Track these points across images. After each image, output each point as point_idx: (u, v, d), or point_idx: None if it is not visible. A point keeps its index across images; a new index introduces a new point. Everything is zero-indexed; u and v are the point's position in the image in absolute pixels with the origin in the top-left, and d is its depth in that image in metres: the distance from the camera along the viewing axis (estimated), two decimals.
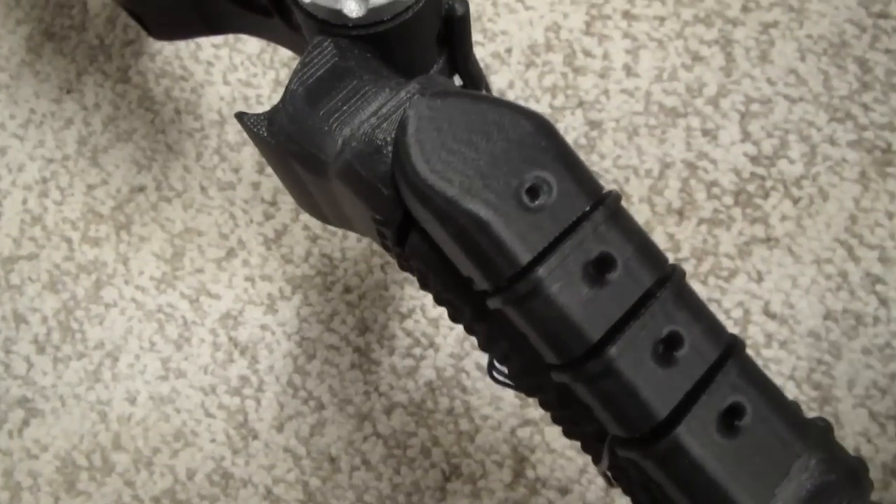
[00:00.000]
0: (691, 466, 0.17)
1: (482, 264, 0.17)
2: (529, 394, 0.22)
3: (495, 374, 0.23)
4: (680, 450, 0.17)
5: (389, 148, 0.19)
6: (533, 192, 0.17)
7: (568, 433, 0.23)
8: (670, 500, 0.18)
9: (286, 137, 0.21)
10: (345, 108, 0.20)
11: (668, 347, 0.17)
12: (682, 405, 0.17)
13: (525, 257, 0.17)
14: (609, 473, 0.22)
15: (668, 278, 0.18)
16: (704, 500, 0.17)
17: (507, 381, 0.23)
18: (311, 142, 0.20)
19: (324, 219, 0.26)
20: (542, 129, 0.18)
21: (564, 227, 0.17)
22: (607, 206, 0.18)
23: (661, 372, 0.17)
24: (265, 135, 0.21)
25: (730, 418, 0.17)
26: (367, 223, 0.21)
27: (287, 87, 0.21)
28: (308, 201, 0.25)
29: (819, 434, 0.18)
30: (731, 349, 0.18)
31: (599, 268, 0.17)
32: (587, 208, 0.17)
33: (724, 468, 0.17)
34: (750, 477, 0.17)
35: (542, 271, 0.17)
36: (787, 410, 0.18)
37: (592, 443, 0.21)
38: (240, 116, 0.22)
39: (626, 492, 0.22)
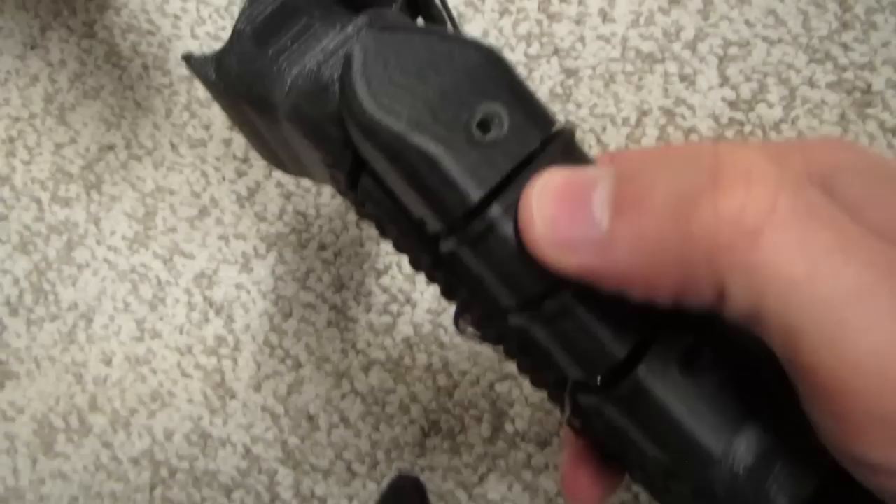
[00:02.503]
0: (653, 408, 0.17)
1: (433, 203, 0.17)
2: (494, 343, 0.22)
3: (462, 324, 0.23)
4: (641, 391, 0.17)
5: (337, 85, 0.18)
6: (484, 125, 0.16)
7: (534, 382, 0.22)
8: (634, 446, 0.18)
9: (235, 79, 0.20)
10: (294, 46, 0.19)
11: None
12: (641, 345, 0.17)
13: (477, 193, 0.16)
14: (575, 423, 0.21)
15: None
16: (666, 442, 0.17)
17: (472, 333, 0.22)
18: (260, 83, 0.20)
19: (283, 167, 0.25)
20: (493, 61, 0.17)
21: (518, 161, 0.16)
22: (562, 138, 0.17)
23: (620, 310, 0.17)
24: (213, 77, 0.20)
25: (691, 356, 0.17)
26: (321, 168, 0.20)
27: (234, 27, 0.20)
28: (265, 149, 0.24)
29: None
30: None
31: None
32: (540, 142, 0.17)
33: (687, 408, 0.17)
34: (714, 416, 0.17)
35: (495, 209, 0.16)
36: (748, 350, 0.17)
37: (557, 392, 0.21)
38: (187, 59, 0.21)
39: (593, 442, 0.22)
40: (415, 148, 0.16)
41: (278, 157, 0.24)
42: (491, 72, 0.17)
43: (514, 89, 0.17)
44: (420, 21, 0.27)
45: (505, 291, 0.17)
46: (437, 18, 0.26)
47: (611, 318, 0.17)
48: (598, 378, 0.17)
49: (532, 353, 0.18)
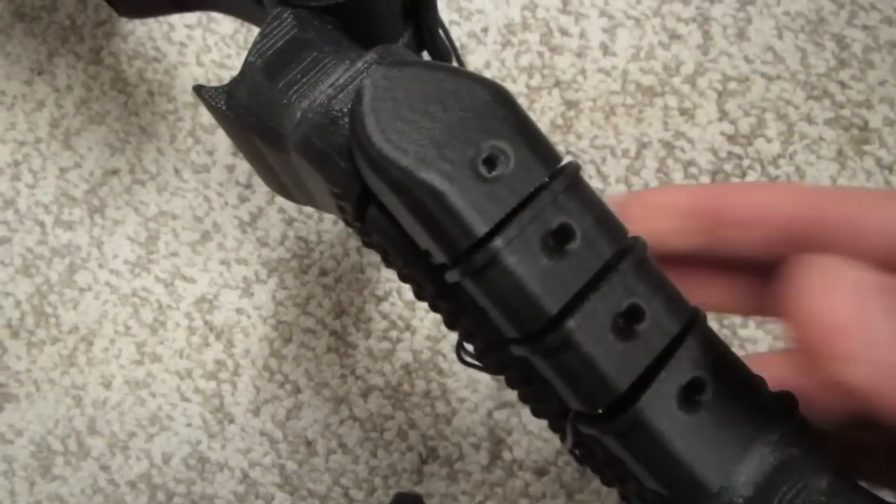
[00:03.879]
0: (652, 442, 0.17)
1: (438, 236, 0.17)
2: (496, 372, 0.22)
3: (463, 354, 0.23)
4: (640, 425, 0.17)
5: (346, 119, 0.19)
6: (490, 162, 0.17)
7: (535, 412, 0.22)
8: (632, 476, 0.18)
9: (245, 111, 0.20)
10: (304, 80, 0.20)
11: (627, 320, 0.17)
12: (642, 379, 0.17)
13: (482, 228, 0.17)
14: (576, 452, 0.22)
15: (628, 250, 0.18)
16: (665, 475, 0.17)
17: (474, 361, 0.23)
18: (270, 115, 0.20)
19: (289, 196, 0.25)
20: (499, 99, 0.17)
21: (522, 197, 0.17)
22: (566, 175, 0.17)
23: (620, 345, 0.17)
24: (223, 108, 0.21)
25: (691, 393, 0.17)
26: (328, 198, 0.21)
27: (245, 60, 0.21)
28: (272, 178, 0.24)
29: (783, 408, 0.18)
30: (693, 323, 0.18)
31: (558, 238, 0.17)
32: (545, 178, 0.17)
33: (686, 443, 0.17)
34: (712, 451, 0.17)
35: (499, 242, 0.17)
36: (751, 385, 0.18)
37: (558, 420, 0.21)
38: (198, 90, 0.21)
39: (594, 470, 0.22)
40: (421, 182, 0.17)
41: (284, 187, 0.24)
42: (497, 110, 0.17)
43: (520, 127, 0.17)
44: (426, 55, 0.27)
45: (507, 324, 0.17)
46: (443, 51, 0.27)
47: (612, 352, 0.17)
48: (599, 410, 0.17)
49: (534, 384, 0.19)
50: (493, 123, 0.17)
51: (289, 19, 0.21)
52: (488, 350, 0.20)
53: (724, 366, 0.18)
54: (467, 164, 0.17)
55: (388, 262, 0.21)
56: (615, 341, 0.17)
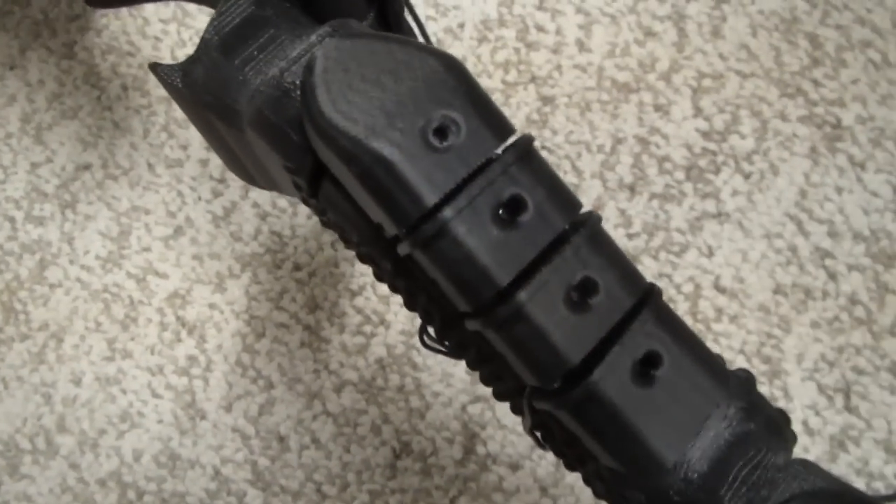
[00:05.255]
0: (606, 416, 0.17)
1: (388, 206, 0.17)
2: (457, 355, 0.22)
3: (426, 338, 0.23)
4: (594, 399, 0.17)
5: (298, 91, 0.19)
6: (440, 132, 0.17)
7: (497, 394, 0.22)
8: (589, 455, 0.18)
9: (201, 88, 0.20)
10: (260, 56, 0.20)
11: (581, 293, 0.17)
12: (595, 353, 0.17)
13: (431, 198, 0.16)
14: (537, 434, 0.21)
15: (582, 223, 0.17)
16: (620, 450, 0.17)
17: (436, 345, 0.22)
18: (226, 92, 0.20)
19: (250, 179, 0.25)
20: (451, 69, 0.17)
21: (473, 167, 0.17)
22: (518, 146, 0.17)
23: (573, 318, 0.17)
24: (179, 85, 0.20)
25: (646, 367, 0.17)
26: (284, 175, 0.20)
27: (202, 37, 0.20)
28: (234, 161, 0.24)
29: (740, 384, 0.18)
30: (648, 297, 0.18)
31: (510, 210, 0.17)
32: (497, 149, 0.17)
33: (640, 418, 0.17)
34: (667, 426, 0.17)
35: (448, 212, 0.16)
36: (707, 360, 0.18)
37: (518, 401, 0.21)
38: (153, 67, 0.21)
39: (556, 453, 0.22)
40: (371, 152, 0.16)
41: (245, 169, 0.24)
42: (449, 80, 0.17)
43: (472, 97, 0.17)
44: None
45: (459, 296, 0.17)
46: (407, 32, 0.27)
47: (565, 324, 0.17)
48: (553, 385, 0.17)
49: (491, 361, 0.18)
50: (444, 93, 0.17)
51: None
52: (446, 329, 0.20)
53: (680, 341, 0.17)
54: (418, 133, 0.17)
55: (347, 241, 0.21)
56: (568, 314, 0.17)
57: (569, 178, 0.44)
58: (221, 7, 0.20)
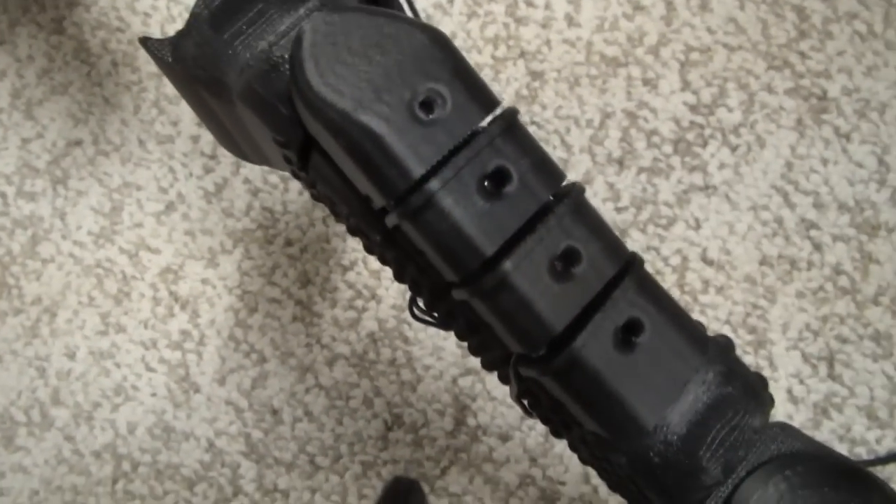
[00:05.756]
0: (589, 381, 0.17)
1: (376, 178, 0.17)
2: (445, 325, 0.22)
3: (415, 309, 0.23)
4: (577, 365, 0.17)
5: (286, 65, 0.19)
6: (427, 105, 0.17)
7: (485, 364, 0.23)
8: (574, 420, 0.19)
9: (191, 62, 0.20)
10: (249, 30, 0.20)
11: (565, 263, 0.17)
12: (578, 320, 0.17)
13: (418, 170, 0.17)
14: (524, 402, 0.22)
15: (566, 194, 0.18)
16: (602, 414, 0.17)
17: (425, 316, 0.23)
18: (216, 66, 0.20)
19: (241, 154, 0.25)
20: (438, 42, 0.18)
21: (459, 140, 0.17)
22: (503, 119, 0.18)
23: (557, 287, 0.17)
24: (170, 60, 0.21)
25: (627, 334, 0.17)
26: (274, 148, 0.21)
27: (192, 11, 0.21)
28: (223, 134, 0.24)
29: (718, 350, 0.19)
30: (630, 266, 0.18)
31: (495, 181, 0.17)
32: (482, 122, 0.17)
33: (622, 383, 0.17)
34: (648, 390, 0.17)
35: (435, 184, 0.17)
36: (687, 327, 0.18)
37: (505, 369, 0.21)
38: (143, 41, 0.21)
39: (541, 418, 0.22)
40: (359, 124, 0.17)
41: (236, 143, 0.25)
42: (436, 53, 0.17)
43: (458, 71, 0.18)
44: None
45: (446, 266, 0.18)
46: (398, 9, 0.27)
47: (549, 293, 0.17)
48: (539, 352, 0.18)
49: (478, 331, 0.19)
50: (431, 67, 0.17)
51: None
52: (434, 300, 0.20)
53: (661, 309, 0.18)
54: (404, 106, 0.17)
55: (336, 214, 0.21)
56: (552, 283, 0.17)
57: (558, 153, 0.45)
58: None
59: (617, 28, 0.46)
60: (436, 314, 0.22)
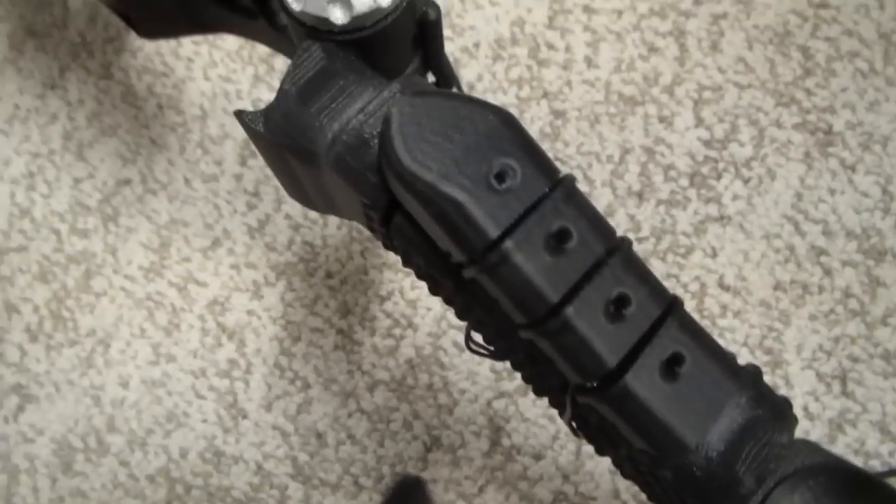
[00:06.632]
0: (639, 407, 0.20)
1: (458, 239, 0.20)
2: (502, 357, 0.25)
3: (471, 343, 0.26)
4: (629, 394, 0.20)
5: (375, 141, 0.22)
6: (500, 176, 0.20)
7: (537, 391, 0.26)
8: (624, 439, 0.21)
9: (281, 132, 0.23)
10: (333, 105, 0.23)
11: (617, 307, 0.20)
12: (629, 355, 0.20)
13: (494, 232, 0.20)
14: (574, 423, 0.25)
15: (617, 248, 0.21)
16: (651, 435, 0.20)
17: (481, 349, 0.26)
18: (304, 136, 0.23)
19: (311, 205, 0.28)
20: (508, 123, 0.21)
21: (528, 205, 0.20)
22: (564, 186, 0.21)
23: (611, 327, 0.20)
24: (262, 130, 0.23)
25: (671, 366, 0.20)
26: (356, 207, 0.24)
27: (280, 87, 0.23)
28: (298, 190, 0.27)
29: (749, 377, 0.21)
30: (672, 307, 0.21)
31: (558, 239, 0.20)
32: (547, 189, 0.20)
33: (667, 408, 0.20)
34: (690, 415, 0.20)
35: (509, 243, 0.20)
36: (722, 358, 0.21)
37: (557, 396, 0.24)
38: (239, 114, 0.24)
39: (588, 438, 0.25)
40: (444, 195, 0.20)
41: (307, 197, 0.27)
42: (506, 132, 0.20)
43: (526, 147, 0.20)
44: (430, 77, 0.30)
45: (516, 311, 0.21)
46: (446, 73, 0.30)
47: (604, 333, 0.20)
48: (594, 382, 0.21)
49: (538, 364, 0.22)
50: (502, 144, 0.20)
51: (317, 52, 0.24)
52: (497, 336, 0.23)
53: (699, 342, 0.21)
54: (482, 178, 0.20)
55: (408, 263, 0.24)
56: (607, 324, 0.20)
57: (580, 188, 0.47)
58: (296, 60, 0.24)
59: (633, 69, 0.49)
60: (492, 347, 0.25)
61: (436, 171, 0.20)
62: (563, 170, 0.48)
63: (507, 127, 0.20)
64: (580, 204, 0.21)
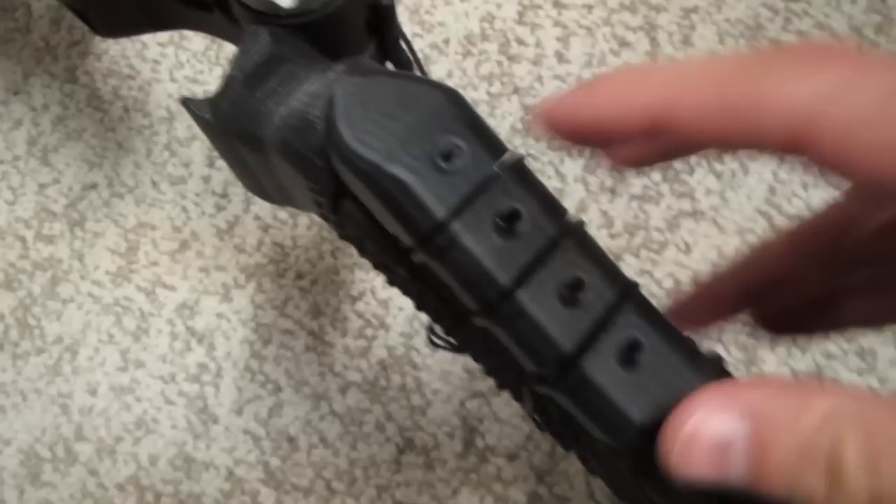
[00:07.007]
0: (596, 395, 0.19)
1: (405, 221, 0.19)
2: (463, 349, 0.25)
3: (433, 337, 0.25)
4: (585, 380, 0.19)
5: (320, 123, 0.21)
6: (447, 155, 0.19)
7: (499, 384, 0.25)
8: (584, 431, 0.21)
9: (228, 119, 0.23)
10: (280, 89, 0.22)
11: (571, 290, 0.19)
12: (585, 341, 0.19)
13: (441, 212, 0.19)
14: (536, 417, 0.24)
15: (571, 230, 0.20)
16: (609, 424, 0.20)
17: (443, 342, 0.25)
18: (251, 122, 0.22)
19: (267, 197, 0.28)
20: (454, 101, 0.20)
21: (475, 184, 0.19)
22: (513, 164, 0.20)
23: (565, 311, 0.19)
24: (208, 117, 0.23)
25: (629, 352, 0.20)
26: (305, 195, 0.23)
27: (227, 74, 0.23)
28: (252, 180, 0.26)
29: (711, 364, 0.21)
30: (629, 291, 0.20)
31: (508, 221, 0.19)
32: (495, 168, 0.20)
33: (626, 396, 0.19)
34: (650, 402, 0.20)
35: (456, 225, 0.19)
36: (682, 345, 0.20)
37: (518, 388, 0.23)
38: (185, 102, 0.23)
39: (551, 432, 0.24)
40: (388, 175, 0.19)
41: (263, 188, 0.27)
42: (452, 110, 0.20)
43: (472, 124, 0.20)
44: (389, 65, 0.30)
45: (468, 296, 0.20)
46: (404, 61, 0.29)
47: (559, 318, 0.19)
48: (551, 370, 0.20)
49: (495, 353, 0.21)
50: (448, 122, 0.20)
51: (265, 36, 0.23)
52: (455, 326, 0.22)
53: (658, 328, 0.20)
54: (427, 157, 0.19)
55: (363, 251, 0.23)
56: (561, 308, 0.19)
57: (553, 183, 0.47)
58: (243, 47, 0.23)
59: (604, 63, 0.49)
60: (453, 340, 0.25)
61: (380, 150, 0.19)
62: (535, 165, 0.48)
63: (453, 104, 0.20)
64: (530, 182, 0.20)
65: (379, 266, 0.23)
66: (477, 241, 0.19)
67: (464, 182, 0.19)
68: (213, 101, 0.23)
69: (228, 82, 0.23)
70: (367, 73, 0.21)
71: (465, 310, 0.21)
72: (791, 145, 0.16)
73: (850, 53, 0.16)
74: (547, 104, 0.19)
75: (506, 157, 0.20)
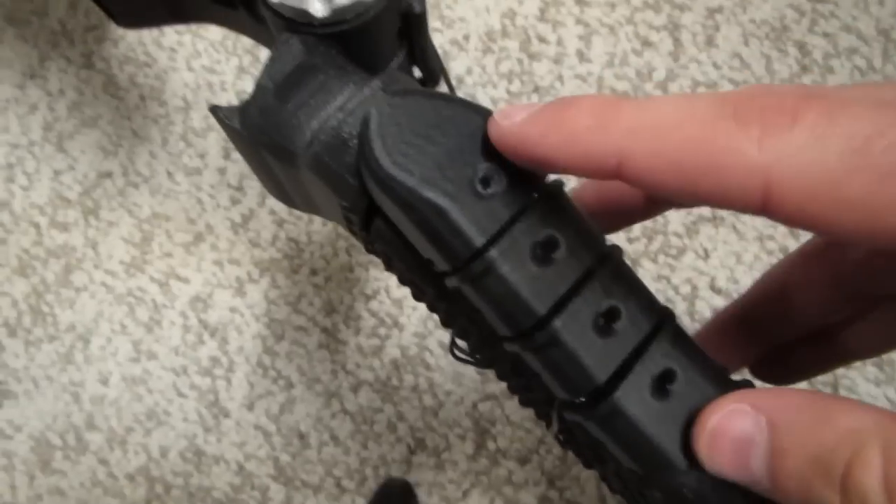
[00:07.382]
0: (629, 426, 0.19)
1: (441, 247, 0.19)
2: (487, 366, 0.24)
3: (456, 351, 0.25)
4: (618, 411, 0.19)
5: (355, 141, 0.21)
6: (485, 181, 0.19)
7: (523, 402, 0.25)
8: (612, 457, 0.20)
9: (257, 129, 0.22)
10: (311, 101, 0.22)
11: (607, 320, 0.19)
12: (619, 371, 0.19)
13: (479, 240, 0.19)
14: (560, 437, 0.24)
15: (607, 257, 0.20)
16: (640, 454, 0.19)
17: (466, 357, 0.25)
18: (281, 134, 0.22)
19: (292, 203, 0.27)
20: None
21: (514, 212, 0.19)
22: (552, 192, 0.20)
23: (600, 341, 0.19)
24: (237, 127, 0.22)
25: (662, 382, 0.19)
26: (335, 209, 0.22)
27: (257, 83, 0.22)
28: (277, 188, 0.26)
29: None
30: (664, 321, 0.20)
31: (546, 249, 0.19)
32: (534, 195, 0.19)
33: (658, 427, 0.19)
34: (681, 434, 0.19)
35: (494, 252, 0.19)
36: (714, 374, 0.20)
37: (544, 409, 0.23)
38: (214, 110, 0.23)
39: (576, 453, 0.24)
40: (426, 200, 0.19)
41: (288, 196, 0.26)
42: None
43: None
44: (416, 72, 0.29)
45: (501, 324, 0.20)
46: (432, 68, 0.29)
47: (594, 348, 0.19)
48: (582, 399, 0.20)
49: (523, 376, 0.21)
50: (486, 146, 0.19)
51: (296, 45, 0.23)
52: (482, 346, 0.22)
53: (691, 358, 0.20)
54: (465, 182, 0.19)
55: (390, 268, 0.23)
56: (596, 338, 0.19)
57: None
58: (274, 55, 0.22)
59: (626, 63, 0.48)
60: (478, 356, 0.24)
61: (417, 175, 0.19)
62: None
63: None
64: (568, 210, 0.20)
65: (405, 282, 0.23)
66: (513, 269, 0.19)
67: (502, 208, 0.19)
68: (243, 110, 0.22)
69: (259, 91, 0.22)
70: (403, 92, 0.20)
71: (496, 334, 0.20)
72: (754, 207, 0.16)
73: (823, 105, 0.16)
74: (502, 123, 0.19)
75: (545, 182, 0.20)
